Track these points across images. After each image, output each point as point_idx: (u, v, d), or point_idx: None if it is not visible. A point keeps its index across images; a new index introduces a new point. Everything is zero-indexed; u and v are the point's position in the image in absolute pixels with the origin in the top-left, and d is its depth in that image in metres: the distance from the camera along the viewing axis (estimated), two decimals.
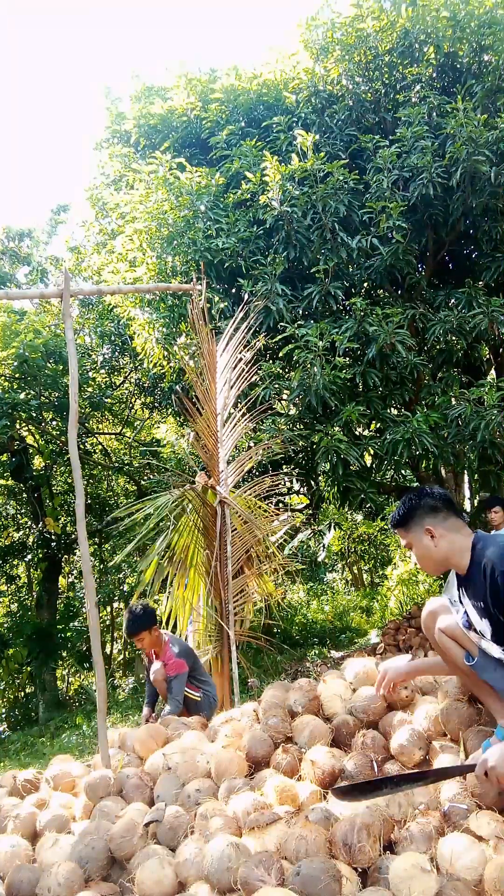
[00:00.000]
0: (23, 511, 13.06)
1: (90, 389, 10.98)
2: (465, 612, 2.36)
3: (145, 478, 12.60)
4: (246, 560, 4.68)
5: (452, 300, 6.75)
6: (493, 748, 2.09)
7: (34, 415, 9.78)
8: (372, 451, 6.73)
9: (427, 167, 6.10)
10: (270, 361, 6.66)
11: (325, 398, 6.07)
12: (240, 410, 4.68)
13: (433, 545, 2.35)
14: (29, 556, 12.63)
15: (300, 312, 6.74)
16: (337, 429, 6.34)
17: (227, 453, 4.49)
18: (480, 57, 6.76)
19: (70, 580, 13.83)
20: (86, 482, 12.51)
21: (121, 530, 10.72)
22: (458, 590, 2.44)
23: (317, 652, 10.44)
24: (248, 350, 4.71)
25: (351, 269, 6.91)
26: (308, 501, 9.69)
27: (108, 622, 13.75)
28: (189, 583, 4.99)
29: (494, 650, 2.31)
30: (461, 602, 2.40)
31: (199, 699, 4.45)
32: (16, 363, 8.81)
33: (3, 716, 12.17)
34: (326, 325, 6.21)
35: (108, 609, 13.74)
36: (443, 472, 8.25)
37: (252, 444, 5.94)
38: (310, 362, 5.98)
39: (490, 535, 2.37)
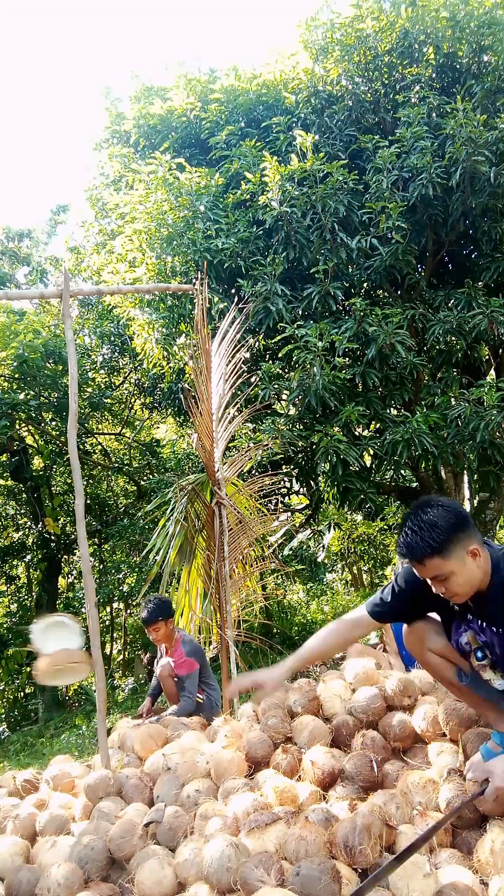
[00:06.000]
0: (22, 511, 13.06)
1: (90, 390, 10.97)
2: (476, 637, 2.20)
3: (145, 478, 12.59)
4: (241, 561, 4.68)
5: (452, 300, 6.75)
6: (497, 765, 2.02)
7: (34, 415, 9.77)
8: (371, 452, 6.73)
9: (426, 167, 6.10)
10: (270, 362, 6.66)
11: (324, 398, 6.07)
12: (234, 407, 4.68)
13: (477, 566, 2.04)
14: (28, 557, 12.62)
15: (300, 313, 6.74)
16: (336, 429, 6.34)
17: (221, 453, 4.49)
18: (480, 57, 6.76)
19: (70, 580, 13.81)
20: (85, 482, 12.50)
21: (119, 530, 10.72)
22: (461, 611, 2.25)
23: None
24: (243, 348, 4.70)
25: (350, 270, 6.91)
26: (308, 502, 9.69)
27: (107, 622, 13.75)
28: (189, 583, 4.99)
29: (497, 681, 2.21)
30: (461, 624, 2.26)
31: (202, 701, 4.45)
32: (15, 363, 8.80)
33: (3, 716, 12.16)
34: (326, 326, 6.21)
35: (108, 609, 13.73)
36: (442, 472, 8.25)
37: (251, 445, 5.94)
38: (309, 363, 5.98)
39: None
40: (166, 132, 8.21)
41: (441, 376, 7.14)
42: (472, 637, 2.21)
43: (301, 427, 6.51)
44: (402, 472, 8.53)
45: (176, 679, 4.39)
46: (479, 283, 6.94)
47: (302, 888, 1.88)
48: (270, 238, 6.77)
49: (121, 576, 10.81)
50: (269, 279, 6.47)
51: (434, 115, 6.55)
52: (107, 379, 12.03)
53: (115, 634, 14.08)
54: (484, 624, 2.16)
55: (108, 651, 13.54)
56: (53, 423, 10.72)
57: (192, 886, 2.16)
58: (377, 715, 2.79)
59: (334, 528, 11.52)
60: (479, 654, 2.21)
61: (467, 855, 2.11)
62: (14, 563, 13.11)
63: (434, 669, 2.39)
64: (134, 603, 13.09)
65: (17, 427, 10.00)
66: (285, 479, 8.03)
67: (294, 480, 8.31)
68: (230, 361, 4.44)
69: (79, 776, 3.15)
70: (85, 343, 11.56)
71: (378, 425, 6.87)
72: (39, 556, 12.11)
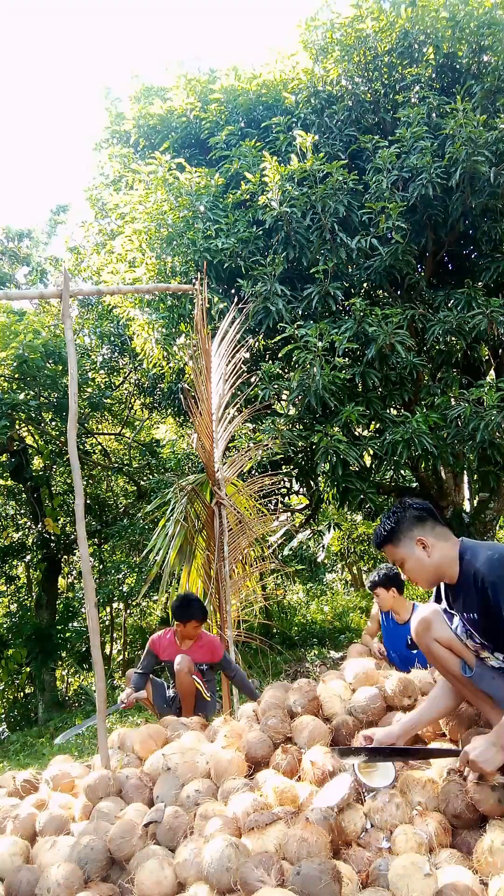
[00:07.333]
0: (22, 511, 13.05)
1: (89, 390, 10.96)
2: (461, 622, 2.33)
3: (145, 478, 12.59)
4: (241, 561, 4.68)
5: (452, 301, 6.75)
6: (474, 741, 2.13)
7: (33, 415, 9.76)
8: (371, 452, 6.73)
9: (426, 168, 6.11)
10: (270, 362, 6.66)
11: (324, 398, 6.07)
12: (234, 407, 4.68)
13: (426, 556, 2.32)
14: (28, 557, 12.61)
15: (299, 313, 6.74)
16: (336, 429, 6.34)
17: (221, 453, 4.49)
18: (480, 57, 6.76)
19: (69, 581, 13.80)
20: (85, 483, 12.49)
21: (119, 531, 10.73)
22: (448, 600, 2.40)
23: (316, 652, 10.43)
24: (243, 348, 4.71)
25: (350, 270, 6.91)
26: (307, 502, 9.68)
27: (107, 622, 13.74)
28: (189, 583, 4.99)
29: (494, 660, 2.29)
30: (453, 612, 2.37)
31: (209, 699, 4.39)
32: (15, 363, 8.78)
33: (3, 716, 12.15)
34: (326, 326, 6.22)
35: (108, 610, 13.73)
36: (442, 472, 8.26)
37: (251, 445, 5.94)
38: (309, 363, 5.98)
39: (476, 543, 2.33)
40: (166, 132, 8.22)
41: (441, 376, 7.14)
42: (460, 625, 2.35)
43: (301, 427, 6.51)
44: (402, 472, 8.54)
45: (213, 665, 4.30)
46: (479, 283, 6.94)
47: (302, 888, 1.88)
48: (270, 238, 6.77)
49: (121, 576, 10.80)
50: (269, 279, 6.47)
51: (434, 115, 6.56)
52: (107, 379, 12.03)
53: (115, 634, 14.08)
54: (463, 612, 2.30)
55: (108, 651, 13.54)
56: (53, 423, 10.71)
57: (192, 886, 2.16)
58: (377, 715, 2.79)
59: (334, 528, 11.51)
60: (476, 639, 2.29)
61: (467, 855, 2.11)
62: (14, 563, 13.10)
63: (437, 659, 2.43)
64: (134, 603, 13.08)
65: (17, 427, 9.99)
66: (285, 479, 8.03)
67: (294, 480, 8.31)
68: (230, 361, 4.45)
69: (79, 776, 3.15)
70: (85, 343, 11.56)
71: (378, 425, 6.87)
72: (39, 556, 12.10)
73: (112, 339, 11.26)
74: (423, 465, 7.74)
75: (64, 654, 12.18)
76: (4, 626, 12.39)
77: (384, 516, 2.44)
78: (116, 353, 11.71)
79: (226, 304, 6.55)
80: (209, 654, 4.32)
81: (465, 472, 8.58)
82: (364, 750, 2.42)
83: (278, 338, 6.41)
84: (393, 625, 4.71)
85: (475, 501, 9.06)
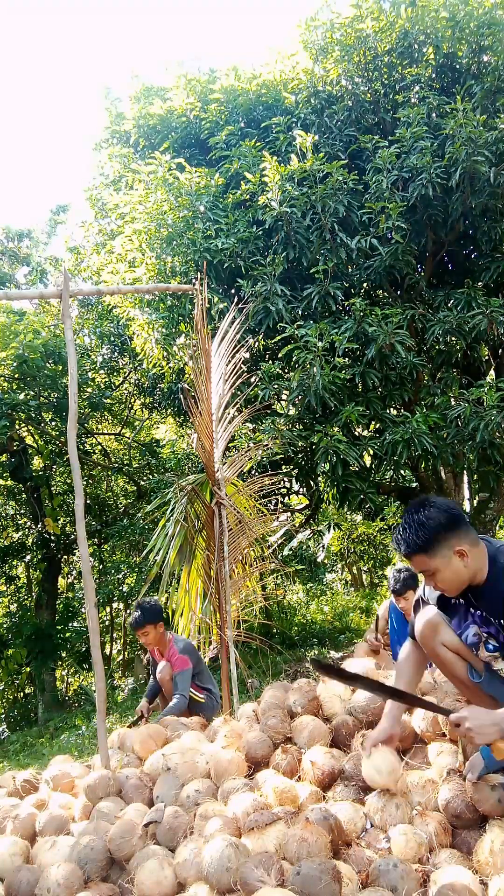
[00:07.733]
0: (22, 511, 13.05)
1: (89, 390, 10.96)
2: (477, 628, 2.26)
3: (145, 478, 12.59)
4: (241, 561, 4.68)
5: (452, 301, 6.75)
6: (472, 709, 2.06)
7: (33, 415, 9.76)
8: (371, 452, 6.73)
9: (426, 168, 6.11)
10: (270, 362, 6.66)
11: (324, 398, 6.07)
12: (234, 407, 4.68)
13: (463, 566, 2.17)
14: (28, 557, 12.62)
15: (299, 313, 6.75)
16: (336, 429, 6.34)
17: (221, 453, 4.48)
18: (480, 57, 6.76)
19: (69, 580, 13.81)
20: (85, 483, 12.49)
21: (119, 531, 10.73)
22: (464, 606, 2.32)
23: (316, 652, 10.43)
24: (243, 348, 4.70)
25: (350, 270, 6.91)
26: (307, 502, 9.68)
27: (107, 623, 13.75)
28: (189, 583, 4.98)
29: None
30: (466, 618, 2.31)
31: (203, 700, 4.44)
32: (15, 363, 8.79)
33: (3, 716, 12.15)
34: (326, 326, 6.22)
35: (108, 610, 13.73)
36: (442, 472, 8.26)
37: (251, 445, 5.94)
38: (309, 363, 5.99)
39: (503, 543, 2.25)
40: (166, 132, 8.21)
41: (441, 376, 7.14)
42: (478, 629, 2.27)
43: (301, 427, 6.51)
44: (402, 472, 8.54)
45: (171, 679, 4.39)
46: (479, 283, 6.94)
47: (302, 888, 1.88)
48: (270, 238, 6.77)
49: (121, 576, 10.80)
50: (269, 279, 6.47)
51: (434, 115, 6.56)
52: (107, 379, 12.03)
53: (115, 634, 14.09)
54: (485, 615, 2.24)
55: (108, 651, 13.55)
56: (53, 423, 10.71)
57: (192, 886, 2.16)
58: (377, 715, 2.78)
59: (334, 528, 11.52)
60: (490, 646, 2.24)
61: (467, 855, 2.11)
62: (14, 563, 13.10)
63: (445, 663, 2.36)
64: (134, 603, 13.07)
65: (17, 427, 9.99)
66: (285, 479, 8.03)
67: (294, 480, 8.31)
68: (230, 361, 4.44)
69: (79, 776, 3.15)
70: (85, 343, 11.56)
71: (378, 425, 6.88)
72: (39, 556, 12.10)
73: (112, 339, 11.27)
74: (423, 465, 7.74)
75: (64, 654, 12.19)
76: (4, 626, 12.39)
77: (410, 520, 2.21)
78: (116, 353, 11.71)
79: (226, 304, 6.54)
80: (173, 665, 4.41)
81: (465, 472, 8.58)
82: (350, 675, 2.31)
83: (278, 338, 6.41)
84: (402, 623, 4.68)
85: (475, 501, 9.05)
